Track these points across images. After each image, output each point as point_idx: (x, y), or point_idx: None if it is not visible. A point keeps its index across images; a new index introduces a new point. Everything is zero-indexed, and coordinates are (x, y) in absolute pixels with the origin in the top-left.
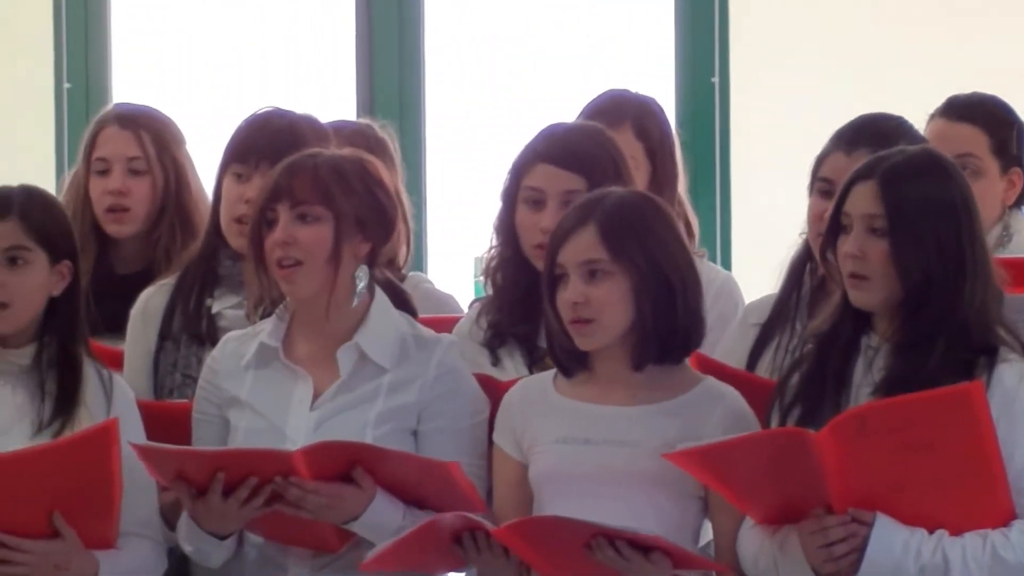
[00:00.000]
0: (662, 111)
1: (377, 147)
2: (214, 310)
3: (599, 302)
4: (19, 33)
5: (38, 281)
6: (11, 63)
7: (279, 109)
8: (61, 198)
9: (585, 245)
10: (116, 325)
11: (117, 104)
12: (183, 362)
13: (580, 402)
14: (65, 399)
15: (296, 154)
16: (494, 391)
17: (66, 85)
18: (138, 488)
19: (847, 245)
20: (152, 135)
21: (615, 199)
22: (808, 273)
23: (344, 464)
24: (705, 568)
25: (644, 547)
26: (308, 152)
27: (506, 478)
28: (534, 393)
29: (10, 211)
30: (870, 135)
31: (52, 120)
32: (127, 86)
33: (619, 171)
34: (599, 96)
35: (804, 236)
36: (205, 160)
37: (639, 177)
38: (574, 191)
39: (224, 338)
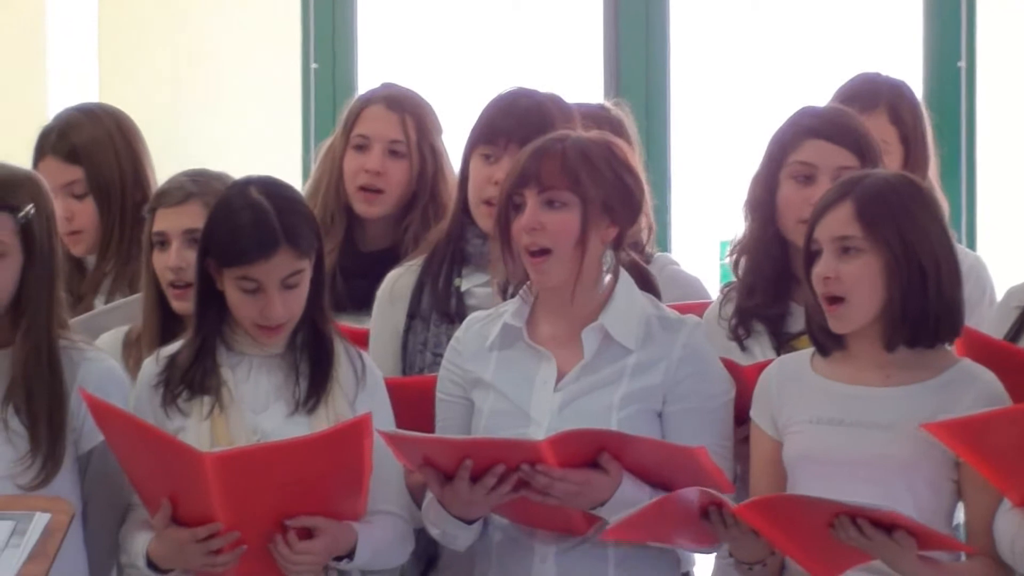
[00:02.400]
0: (914, 95)
1: (615, 127)
2: (463, 288)
3: (849, 279)
4: (268, 15)
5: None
6: (260, 45)
7: (526, 89)
8: (312, 171)
9: (840, 221)
10: (361, 302)
11: (385, 84)
12: (433, 340)
13: (834, 382)
14: (319, 379)
15: (543, 137)
16: (736, 374)
17: (313, 66)
18: (386, 466)
19: None
20: (416, 121)
21: (878, 178)
22: None
23: (591, 450)
24: (953, 549)
25: (887, 526)
26: (555, 135)
27: (761, 455)
28: (791, 371)
29: (278, 245)
30: None
31: (299, 100)
32: (373, 67)
33: (881, 155)
34: (851, 80)
35: None
36: (449, 141)
37: (892, 161)
38: (846, 167)
39: (468, 319)
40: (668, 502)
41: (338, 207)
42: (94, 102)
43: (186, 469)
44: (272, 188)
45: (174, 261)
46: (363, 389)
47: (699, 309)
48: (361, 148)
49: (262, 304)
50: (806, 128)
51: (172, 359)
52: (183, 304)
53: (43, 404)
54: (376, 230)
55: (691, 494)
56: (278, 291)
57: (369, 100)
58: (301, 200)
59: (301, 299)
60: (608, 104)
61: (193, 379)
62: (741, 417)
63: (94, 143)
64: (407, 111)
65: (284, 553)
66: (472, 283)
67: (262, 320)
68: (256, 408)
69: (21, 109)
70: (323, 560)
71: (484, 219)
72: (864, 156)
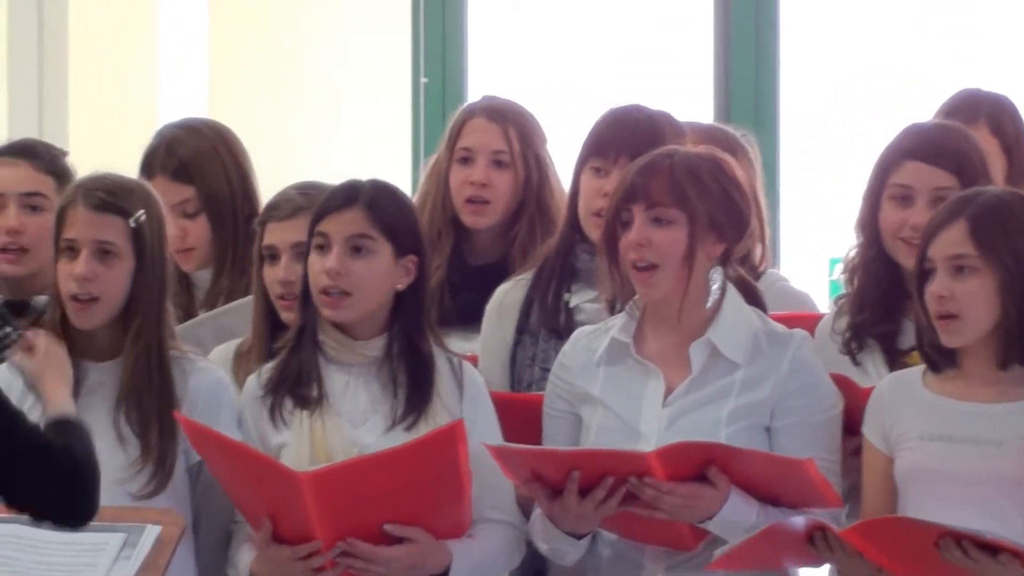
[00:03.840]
0: (1015, 108)
1: (733, 147)
2: (572, 304)
3: (964, 297)
4: (379, 29)
5: (381, 271)
6: (371, 58)
7: (637, 105)
8: (419, 187)
9: (954, 240)
10: (469, 317)
11: (485, 96)
12: (541, 356)
13: (946, 398)
14: (417, 392)
15: (651, 152)
16: (850, 390)
17: (423, 80)
18: (493, 473)
19: None
20: (518, 130)
21: (989, 197)
22: None
23: (698, 463)
24: None
25: (992, 548)
26: (664, 151)
27: (874, 471)
28: (903, 388)
29: (357, 200)
30: None
31: (409, 114)
32: (483, 81)
33: (986, 169)
34: (953, 96)
35: None
36: (558, 156)
37: (994, 172)
38: (944, 188)
39: (575, 334)
40: (773, 531)
41: (445, 221)
42: (195, 117)
43: (283, 489)
44: (382, 184)
45: (283, 275)
46: (466, 400)
47: (808, 320)
48: (465, 161)
49: (326, 261)
50: (904, 150)
51: (276, 369)
52: (293, 316)
53: (153, 410)
54: (484, 243)
55: (796, 521)
56: (344, 249)
57: (471, 113)
58: (408, 202)
59: (369, 274)
60: (735, 132)
61: (295, 389)
62: (853, 430)
63: (202, 160)
64: (509, 121)
65: (362, 551)
66: (581, 299)
67: (321, 280)
68: (355, 422)
69: (132, 126)
70: (400, 569)
71: (594, 232)
72: (963, 175)
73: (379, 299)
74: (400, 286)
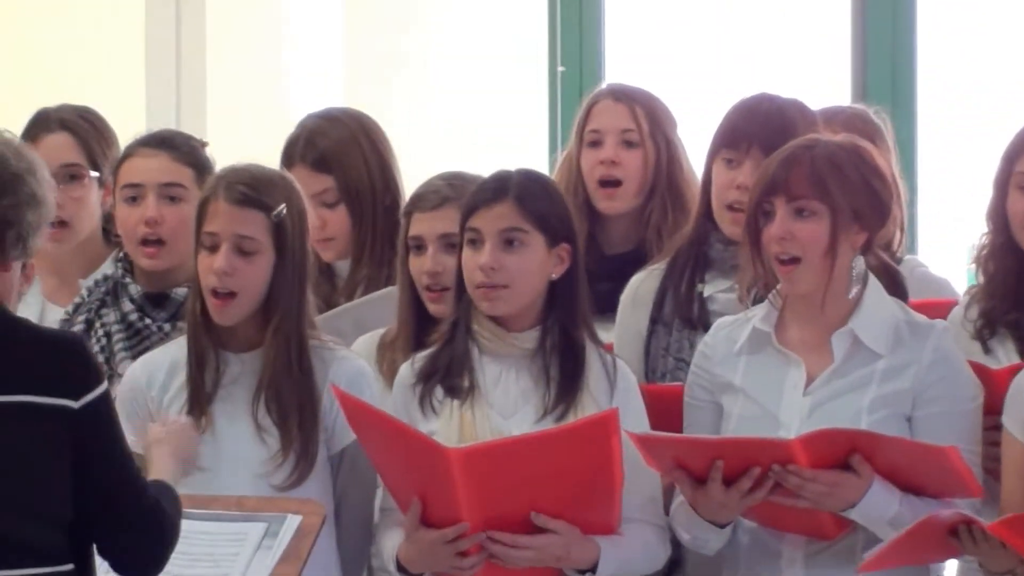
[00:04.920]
0: None
1: (871, 132)
2: (705, 294)
3: None
4: (515, 19)
5: (535, 263)
6: (509, 47)
7: (768, 94)
8: (553, 178)
9: None
10: (606, 306)
11: (611, 83)
12: (675, 346)
13: None
14: (568, 384)
15: (792, 144)
16: (984, 377)
17: (560, 68)
18: (641, 474)
19: None
20: (646, 110)
21: None
22: None
23: (841, 451)
24: None
25: None
26: (804, 142)
27: (1013, 461)
28: None
29: (507, 193)
30: None
31: (546, 103)
32: (620, 70)
33: None
34: None
35: None
36: (696, 146)
37: None
38: None
39: (716, 324)
40: (919, 530)
41: (578, 207)
42: (336, 107)
43: (433, 466)
44: (531, 173)
45: (430, 266)
46: (616, 395)
47: (944, 307)
48: (595, 144)
49: (480, 257)
50: None
51: (429, 359)
52: (439, 307)
53: (294, 402)
54: (618, 230)
55: (944, 514)
56: (497, 244)
57: (597, 96)
58: (558, 190)
59: (524, 267)
60: (868, 110)
61: (447, 379)
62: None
63: (342, 150)
64: (636, 101)
65: (506, 537)
66: (715, 288)
67: (475, 276)
68: (505, 412)
69: (268, 116)
70: (543, 559)
71: (727, 224)
72: None
73: (535, 291)
74: (554, 275)
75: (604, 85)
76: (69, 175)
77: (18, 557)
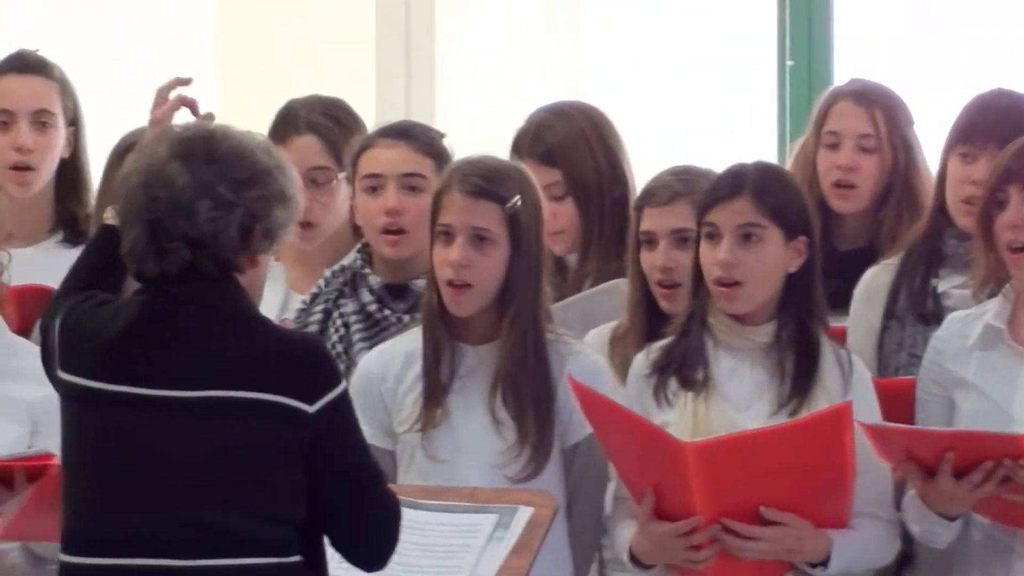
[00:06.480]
0: None
1: None
2: (940, 289)
3: None
4: (745, 13)
5: (772, 259)
6: (737, 41)
7: (1004, 89)
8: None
9: None
10: (838, 302)
11: (853, 79)
12: (909, 341)
13: None
14: (803, 379)
15: None
16: None
17: (789, 63)
18: (871, 467)
19: None
20: (885, 113)
21: None
22: None
23: None
24: None
25: None
26: None
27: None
28: None
29: (743, 189)
30: None
31: (775, 97)
32: (849, 63)
33: None
34: None
35: None
36: (926, 139)
37: None
38: None
39: (948, 318)
40: None
41: (814, 206)
42: (565, 101)
43: (667, 459)
44: (768, 167)
45: (662, 261)
46: (851, 393)
47: None
48: (832, 146)
49: (718, 252)
50: None
51: (664, 350)
52: (671, 304)
53: (530, 395)
54: (851, 227)
55: None
56: (734, 239)
57: (837, 96)
58: (795, 182)
59: (761, 262)
60: None
61: (682, 370)
62: None
63: (569, 144)
64: (876, 104)
65: (740, 528)
66: (949, 284)
67: (713, 271)
68: (739, 406)
69: (499, 108)
70: (776, 551)
71: (962, 218)
72: None
73: (772, 286)
74: (792, 268)
75: (845, 83)
76: (317, 179)
77: (242, 549)
